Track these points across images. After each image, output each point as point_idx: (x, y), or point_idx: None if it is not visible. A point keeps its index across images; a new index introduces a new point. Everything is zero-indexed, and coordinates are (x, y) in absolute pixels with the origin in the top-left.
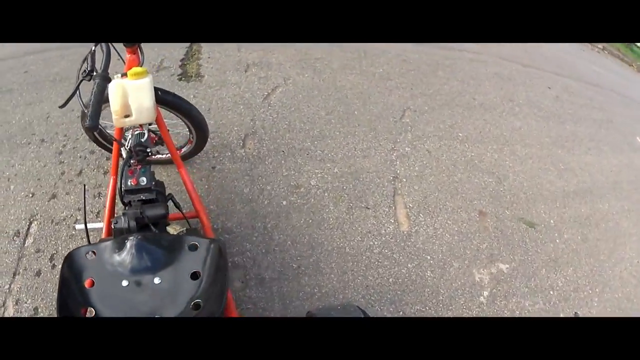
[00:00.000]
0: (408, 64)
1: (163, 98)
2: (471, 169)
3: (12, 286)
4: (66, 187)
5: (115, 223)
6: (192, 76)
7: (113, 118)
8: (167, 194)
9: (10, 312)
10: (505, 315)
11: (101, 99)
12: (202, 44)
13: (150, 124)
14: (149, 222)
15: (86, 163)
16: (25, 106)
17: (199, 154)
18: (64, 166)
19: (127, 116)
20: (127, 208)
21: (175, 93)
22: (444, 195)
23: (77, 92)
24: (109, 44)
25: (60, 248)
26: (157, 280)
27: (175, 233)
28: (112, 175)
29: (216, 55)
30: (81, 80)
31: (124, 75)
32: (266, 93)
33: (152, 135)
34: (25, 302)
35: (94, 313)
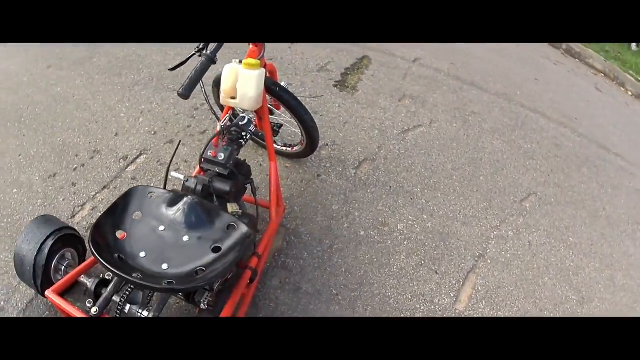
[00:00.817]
0: (558, 149)
1: (278, 94)
2: (561, 279)
3: (97, 195)
4: (185, 139)
5: (186, 181)
6: (347, 87)
7: (221, 96)
8: (248, 177)
9: (84, 214)
10: None
11: (201, 75)
12: (373, 59)
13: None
14: (213, 193)
15: (212, 126)
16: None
17: (312, 158)
18: (193, 121)
19: (233, 98)
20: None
21: (295, 96)
22: (518, 293)
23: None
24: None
25: (152, 184)
26: (185, 238)
27: (232, 211)
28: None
29: (380, 76)
30: (192, 54)
31: (241, 62)
32: (406, 128)
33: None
34: (99, 212)
35: (124, 236)
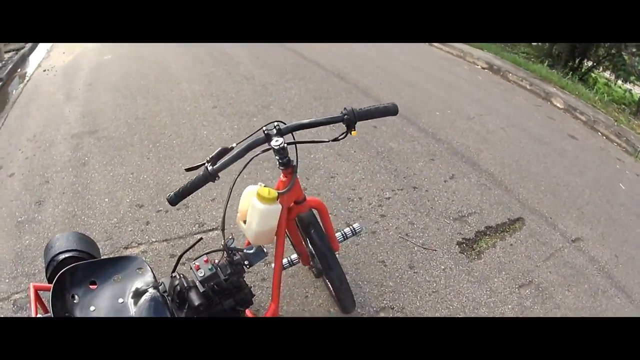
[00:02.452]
0: None
1: (310, 236)
2: None
3: (155, 243)
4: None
5: (173, 276)
6: (472, 250)
7: (237, 215)
8: (243, 304)
9: (134, 251)
10: None
11: (195, 188)
12: (527, 225)
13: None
14: (185, 300)
15: None
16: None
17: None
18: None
19: (244, 222)
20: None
21: (330, 246)
22: None
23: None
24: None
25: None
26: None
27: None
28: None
29: (520, 248)
30: (203, 164)
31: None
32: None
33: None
34: (145, 257)
35: (95, 288)
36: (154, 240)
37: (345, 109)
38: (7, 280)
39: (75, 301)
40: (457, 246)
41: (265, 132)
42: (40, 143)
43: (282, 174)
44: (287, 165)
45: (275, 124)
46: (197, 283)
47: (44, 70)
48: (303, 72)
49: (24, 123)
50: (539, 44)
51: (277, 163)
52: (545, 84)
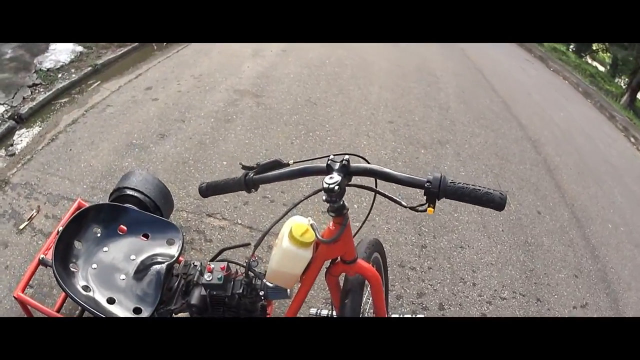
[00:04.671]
0: None
1: (342, 306)
2: None
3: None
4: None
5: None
6: None
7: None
8: (251, 311)
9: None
10: None
11: (227, 189)
12: None
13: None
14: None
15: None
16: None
17: None
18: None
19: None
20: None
21: None
22: None
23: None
24: None
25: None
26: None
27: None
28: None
29: None
30: (245, 172)
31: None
32: None
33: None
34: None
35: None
36: (239, 222)
37: (432, 175)
38: (84, 186)
39: (98, 235)
40: None
41: (329, 162)
42: (201, 83)
43: (332, 222)
44: (338, 213)
45: (347, 157)
46: (201, 284)
47: None
48: (499, 124)
49: (198, 59)
50: None
51: (329, 213)
52: None
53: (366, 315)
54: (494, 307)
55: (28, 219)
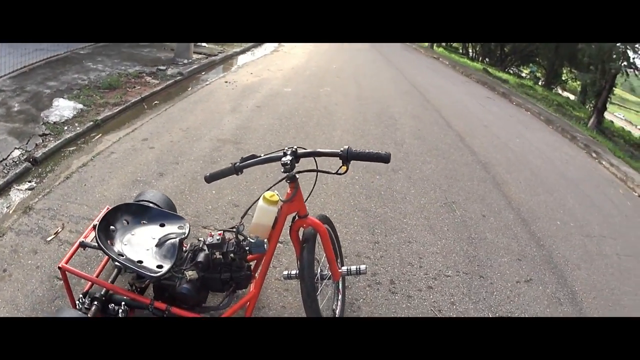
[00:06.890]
0: None
1: (301, 252)
2: None
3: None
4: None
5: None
6: None
7: None
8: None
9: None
10: None
11: (222, 175)
12: None
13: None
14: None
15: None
16: None
17: None
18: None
19: None
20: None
21: (309, 268)
22: None
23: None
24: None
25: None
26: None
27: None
28: None
29: None
30: (234, 167)
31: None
32: None
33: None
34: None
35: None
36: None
37: (344, 147)
38: (91, 207)
39: (126, 224)
40: None
41: (284, 150)
42: (189, 134)
43: (288, 187)
44: (292, 180)
45: (295, 147)
46: (205, 246)
47: (226, 82)
48: (450, 153)
49: (185, 116)
50: None
51: (286, 180)
52: None
53: (321, 262)
54: (439, 282)
55: (54, 233)
